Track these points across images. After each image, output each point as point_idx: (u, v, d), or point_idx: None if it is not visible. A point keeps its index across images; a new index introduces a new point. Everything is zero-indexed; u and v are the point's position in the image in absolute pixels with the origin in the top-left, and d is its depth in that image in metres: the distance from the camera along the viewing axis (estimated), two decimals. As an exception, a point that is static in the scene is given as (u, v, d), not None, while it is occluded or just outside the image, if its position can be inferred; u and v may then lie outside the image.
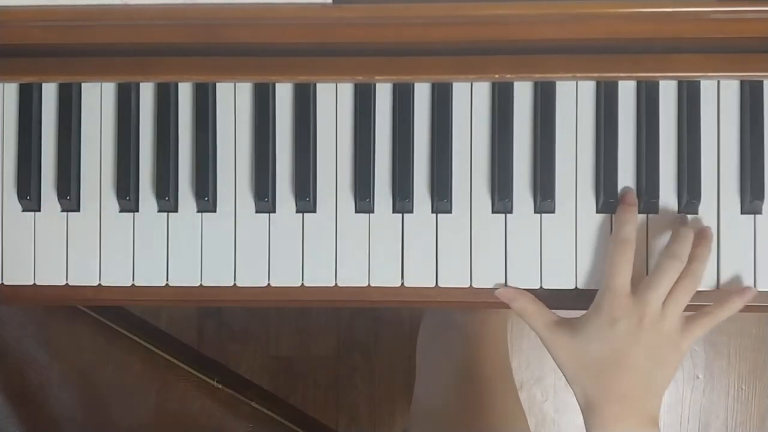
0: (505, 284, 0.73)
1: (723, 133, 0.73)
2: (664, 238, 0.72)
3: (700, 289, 0.71)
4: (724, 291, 0.72)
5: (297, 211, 0.74)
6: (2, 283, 0.76)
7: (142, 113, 0.75)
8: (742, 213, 0.73)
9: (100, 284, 0.75)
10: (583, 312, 0.70)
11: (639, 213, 0.73)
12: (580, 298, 0.72)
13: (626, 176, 0.73)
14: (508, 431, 0.91)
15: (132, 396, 0.95)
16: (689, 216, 0.73)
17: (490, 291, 0.73)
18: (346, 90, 0.74)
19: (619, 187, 0.73)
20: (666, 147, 0.73)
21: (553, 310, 0.71)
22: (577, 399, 0.70)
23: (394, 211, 0.74)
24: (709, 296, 0.71)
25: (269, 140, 0.74)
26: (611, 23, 0.70)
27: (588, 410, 0.68)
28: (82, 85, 0.75)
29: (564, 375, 0.70)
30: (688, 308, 0.69)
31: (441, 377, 0.95)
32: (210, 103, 0.75)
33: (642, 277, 0.69)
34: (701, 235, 0.71)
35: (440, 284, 0.73)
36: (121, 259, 0.75)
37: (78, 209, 0.75)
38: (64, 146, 0.75)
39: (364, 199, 0.73)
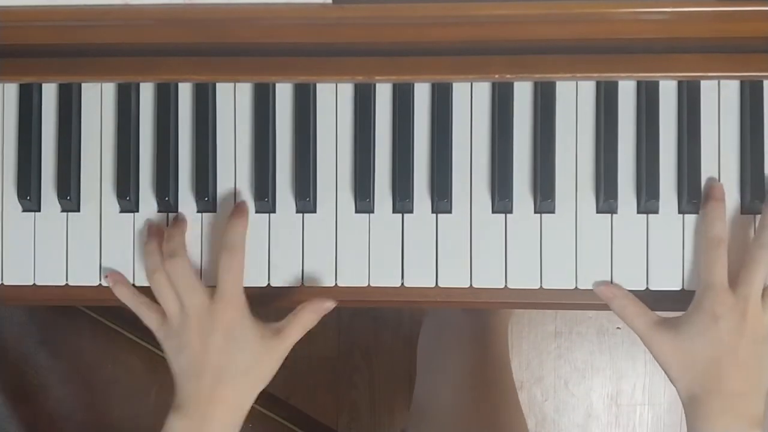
0: (506, 285, 0.73)
1: (723, 133, 0.73)
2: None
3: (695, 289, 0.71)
4: None
5: (297, 211, 0.74)
6: (2, 283, 0.76)
7: (142, 113, 0.75)
8: (742, 213, 0.73)
9: (100, 284, 0.75)
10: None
11: (638, 213, 0.73)
12: (583, 298, 0.73)
13: (626, 176, 0.73)
14: (508, 430, 0.91)
15: (132, 396, 0.95)
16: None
17: (491, 291, 0.73)
18: (346, 90, 0.74)
19: (620, 187, 0.73)
20: (666, 147, 0.73)
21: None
22: (680, 395, 0.69)
23: (394, 211, 0.74)
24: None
25: (269, 140, 0.74)
26: (611, 23, 0.70)
27: (691, 404, 0.68)
28: (82, 85, 0.75)
29: (667, 374, 0.69)
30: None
31: (441, 378, 0.95)
32: (210, 103, 0.75)
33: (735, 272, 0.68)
34: None
35: (440, 284, 0.73)
36: (121, 259, 0.75)
37: (78, 209, 0.75)
38: (64, 146, 0.75)
39: (364, 199, 0.73)
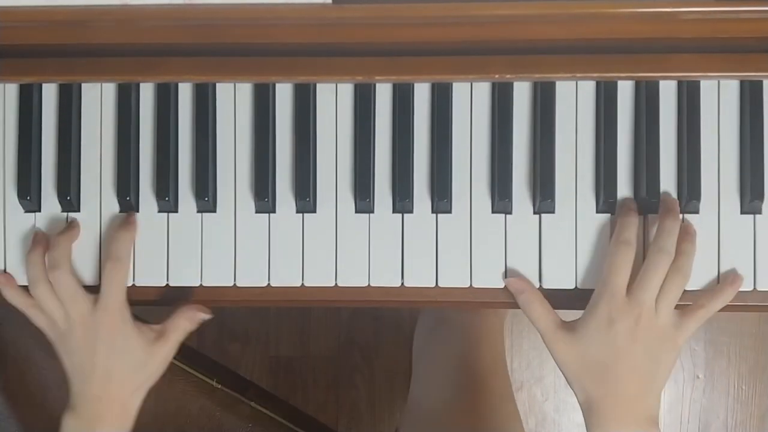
0: (506, 285, 0.73)
1: (723, 133, 0.73)
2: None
3: (698, 289, 0.71)
4: (719, 282, 0.72)
5: (297, 211, 0.74)
6: (2, 283, 0.76)
7: (142, 113, 0.75)
8: (741, 213, 0.73)
9: (100, 284, 0.75)
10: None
11: (639, 213, 0.73)
12: (580, 298, 0.73)
13: (626, 176, 0.73)
14: (503, 429, 0.91)
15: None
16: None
17: (490, 291, 0.73)
18: (346, 90, 0.74)
19: (619, 187, 0.73)
20: (666, 147, 0.73)
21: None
22: (577, 399, 0.70)
23: (394, 211, 0.74)
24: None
25: (269, 140, 0.74)
26: (611, 23, 0.70)
27: (588, 411, 0.69)
28: (82, 85, 0.75)
29: (564, 375, 0.70)
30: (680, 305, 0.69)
31: (436, 375, 0.95)
32: (210, 103, 0.75)
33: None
34: (685, 230, 0.71)
35: (440, 284, 0.73)
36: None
37: (78, 209, 0.75)
38: (64, 146, 0.75)
39: (364, 199, 0.73)
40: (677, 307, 0.69)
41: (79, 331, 0.71)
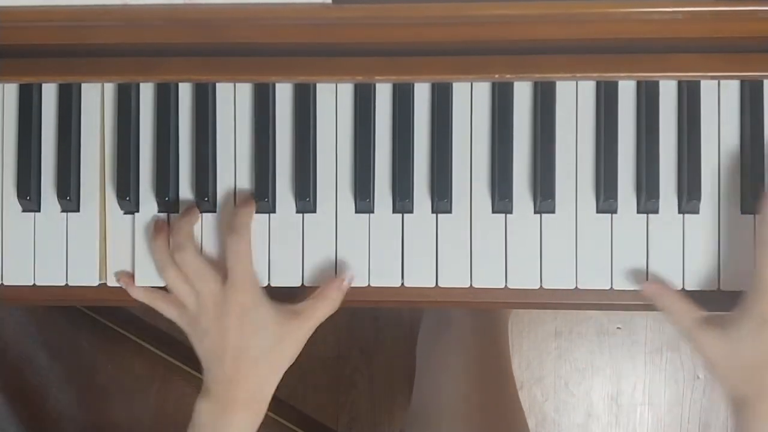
0: (506, 285, 0.73)
1: (723, 133, 0.73)
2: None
3: (702, 289, 0.71)
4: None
5: (297, 211, 0.74)
6: (2, 284, 0.76)
7: (142, 113, 0.75)
8: (742, 213, 0.73)
9: (100, 284, 0.75)
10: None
11: (638, 213, 0.73)
12: (578, 299, 0.73)
13: (626, 176, 0.73)
14: (509, 428, 0.91)
15: (132, 396, 0.95)
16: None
17: (491, 291, 0.73)
18: (346, 90, 0.74)
19: (620, 187, 0.73)
20: (666, 147, 0.73)
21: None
22: (726, 396, 0.68)
23: (394, 211, 0.74)
24: (708, 296, 0.71)
25: (269, 140, 0.74)
26: (611, 23, 0.70)
27: (739, 408, 0.67)
28: (82, 85, 0.75)
29: (711, 373, 0.69)
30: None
31: (441, 377, 0.95)
32: (210, 103, 0.75)
33: None
34: None
35: (440, 284, 0.73)
36: (121, 260, 0.75)
37: (78, 209, 0.75)
38: (64, 146, 0.75)
39: (364, 199, 0.73)
40: None
41: (210, 310, 0.70)
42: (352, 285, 0.73)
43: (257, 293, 0.71)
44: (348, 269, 0.73)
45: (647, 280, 0.72)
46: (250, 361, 0.70)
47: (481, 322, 0.98)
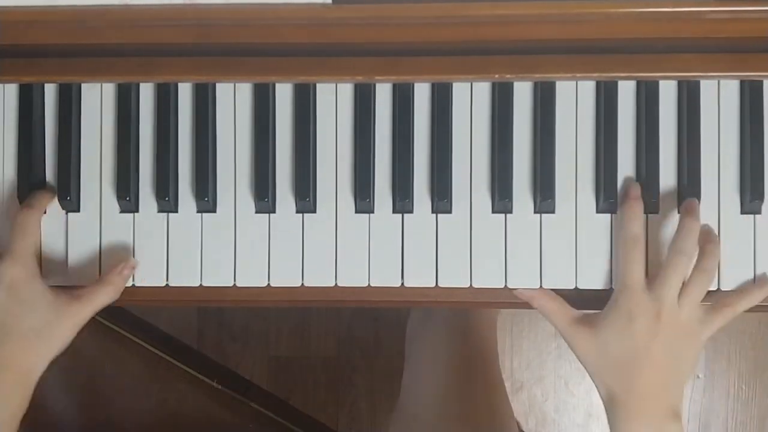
0: (506, 284, 0.73)
1: (723, 133, 0.73)
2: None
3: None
4: (748, 282, 0.72)
5: (297, 211, 0.74)
6: (2, 284, 0.76)
7: (142, 113, 0.75)
8: (742, 213, 0.73)
9: (100, 284, 0.75)
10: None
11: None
12: (579, 298, 0.73)
13: (626, 176, 0.73)
14: (494, 424, 0.91)
15: (132, 396, 0.95)
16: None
17: (491, 291, 0.73)
18: (346, 90, 0.74)
19: (620, 187, 0.73)
20: (666, 147, 0.73)
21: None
22: (599, 393, 0.70)
23: (394, 211, 0.74)
24: (707, 298, 0.71)
25: (269, 140, 0.74)
26: (611, 23, 0.70)
27: (610, 405, 0.69)
28: (82, 85, 0.75)
29: (586, 370, 0.70)
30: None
31: (428, 369, 0.95)
32: (210, 103, 0.75)
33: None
34: (707, 231, 0.71)
35: (440, 284, 0.73)
36: (120, 260, 0.75)
37: (78, 209, 0.75)
38: (64, 146, 0.75)
39: (364, 199, 0.73)
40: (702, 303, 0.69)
41: None
42: (352, 285, 0.73)
43: (34, 271, 0.68)
44: (132, 257, 0.73)
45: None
46: (16, 343, 0.66)
47: (468, 315, 0.98)
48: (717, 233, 0.72)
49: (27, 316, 0.67)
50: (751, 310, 0.73)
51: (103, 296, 0.71)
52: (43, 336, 0.67)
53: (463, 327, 0.97)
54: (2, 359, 0.66)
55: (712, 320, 0.69)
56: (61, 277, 0.75)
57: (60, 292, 0.70)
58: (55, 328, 0.68)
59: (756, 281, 0.72)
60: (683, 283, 0.68)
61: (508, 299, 0.74)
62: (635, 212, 0.70)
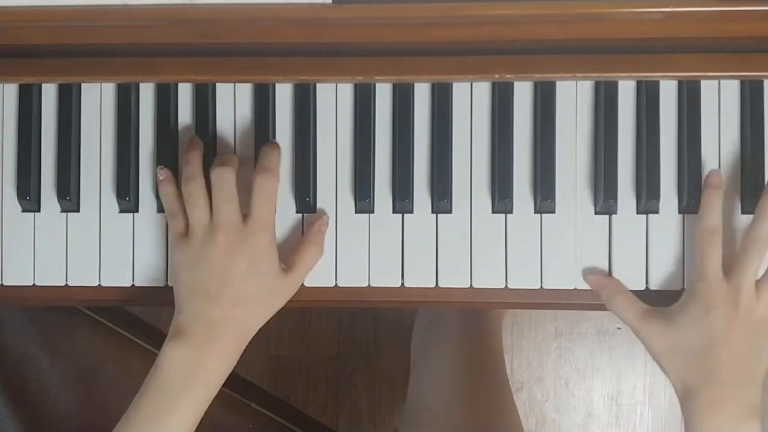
0: (506, 285, 0.73)
1: (723, 133, 0.73)
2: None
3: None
4: None
5: (297, 212, 0.74)
6: (2, 284, 0.76)
7: (142, 113, 0.75)
8: (742, 213, 0.73)
9: (100, 284, 0.75)
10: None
11: (638, 213, 0.73)
12: (578, 299, 0.73)
13: (626, 176, 0.73)
14: (501, 428, 0.91)
15: (132, 396, 0.95)
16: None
17: (491, 291, 0.73)
18: (346, 90, 0.74)
19: (620, 187, 0.73)
20: (666, 147, 0.73)
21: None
22: (674, 387, 0.69)
23: (394, 211, 0.74)
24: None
25: (269, 140, 0.74)
26: (611, 23, 0.70)
27: (685, 396, 0.68)
28: (82, 85, 0.75)
29: (659, 364, 0.70)
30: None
31: (434, 375, 0.95)
32: (210, 104, 0.75)
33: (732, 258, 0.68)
34: None
35: (440, 284, 0.73)
36: (120, 260, 0.75)
37: (78, 209, 0.75)
38: (64, 146, 0.75)
39: (364, 200, 0.73)
40: None
41: (220, 239, 0.67)
42: (352, 285, 0.73)
43: (273, 239, 0.69)
44: (324, 213, 0.73)
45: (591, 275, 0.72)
46: (244, 307, 0.67)
47: (473, 320, 0.98)
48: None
49: (258, 282, 0.68)
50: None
51: (311, 257, 0.71)
52: (265, 302, 0.69)
53: (470, 333, 0.97)
54: (229, 320, 0.66)
55: None
56: (60, 277, 0.75)
57: (279, 262, 0.70)
58: (276, 295, 0.69)
59: None
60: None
61: (508, 299, 0.74)
62: (714, 202, 0.69)
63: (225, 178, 0.68)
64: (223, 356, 0.67)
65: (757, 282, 0.67)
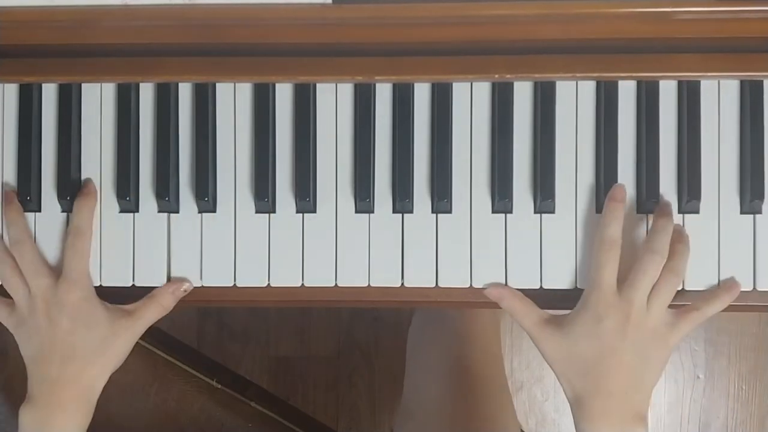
0: (506, 284, 0.73)
1: (723, 133, 0.73)
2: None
3: (698, 289, 0.71)
4: (714, 286, 0.72)
5: (297, 211, 0.74)
6: (1, 284, 0.76)
7: (142, 113, 0.75)
8: (741, 213, 0.73)
9: (100, 284, 0.75)
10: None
11: (639, 213, 0.73)
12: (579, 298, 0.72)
13: (626, 176, 0.73)
14: (498, 428, 0.91)
15: (132, 396, 0.95)
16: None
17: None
18: (346, 90, 0.74)
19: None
20: (666, 147, 0.73)
21: (551, 310, 0.72)
22: (565, 394, 0.70)
23: (394, 211, 0.74)
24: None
25: (269, 140, 0.74)
26: (611, 23, 0.70)
27: (576, 405, 0.69)
28: (82, 85, 0.75)
29: (553, 371, 0.71)
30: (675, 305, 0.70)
31: (429, 374, 0.95)
32: (210, 103, 0.75)
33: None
34: (678, 232, 0.71)
35: (440, 284, 0.73)
36: (121, 260, 0.75)
37: (78, 209, 0.75)
38: (64, 146, 0.75)
39: (364, 200, 0.73)
40: (672, 307, 0.69)
41: (40, 306, 0.70)
42: (352, 285, 0.73)
43: (91, 292, 0.71)
44: (187, 279, 0.74)
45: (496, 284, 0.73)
46: (78, 361, 0.69)
47: (471, 318, 0.98)
48: (715, 233, 0.72)
49: (88, 335, 0.70)
50: (751, 310, 0.73)
51: (152, 313, 0.72)
52: (102, 352, 0.70)
53: (465, 332, 0.97)
54: (67, 377, 0.69)
55: (680, 324, 0.69)
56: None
57: (112, 309, 0.72)
58: (112, 344, 0.71)
59: (721, 285, 0.72)
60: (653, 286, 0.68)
61: (508, 299, 0.73)
62: (616, 215, 0.70)
63: (24, 254, 0.71)
64: (70, 413, 0.69)
65: (649, 295, 0.68)
